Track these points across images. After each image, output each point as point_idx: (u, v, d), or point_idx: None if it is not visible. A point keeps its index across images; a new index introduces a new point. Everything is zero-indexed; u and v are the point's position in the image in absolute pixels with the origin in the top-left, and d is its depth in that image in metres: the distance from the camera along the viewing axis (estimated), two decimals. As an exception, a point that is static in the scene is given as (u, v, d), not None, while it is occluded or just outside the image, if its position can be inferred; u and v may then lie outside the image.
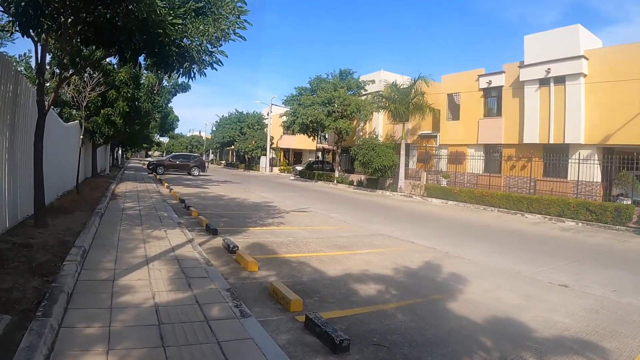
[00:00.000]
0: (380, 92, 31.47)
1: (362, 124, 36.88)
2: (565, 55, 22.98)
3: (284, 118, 40.77)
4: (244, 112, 61.61)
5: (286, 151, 60.64)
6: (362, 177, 34.50)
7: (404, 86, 29.22)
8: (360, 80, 36.29)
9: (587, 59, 22.73)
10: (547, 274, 8.94)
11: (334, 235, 12.30)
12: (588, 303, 7.10)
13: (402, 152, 29.46)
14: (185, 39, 7.80)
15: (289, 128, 38.09)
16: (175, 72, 8.45)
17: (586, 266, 10.16)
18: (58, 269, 6.13)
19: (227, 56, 8.50)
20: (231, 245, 9.17)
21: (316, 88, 35.86)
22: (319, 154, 54.70)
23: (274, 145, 55.87)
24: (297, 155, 61.49)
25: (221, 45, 8.35)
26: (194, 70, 8.55)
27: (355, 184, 34.48)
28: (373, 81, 35.53)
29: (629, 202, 19.86)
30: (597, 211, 18.90)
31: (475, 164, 27.86)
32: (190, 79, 8.73)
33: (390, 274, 8.32)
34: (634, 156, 20.33)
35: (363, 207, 20.92)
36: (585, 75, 22.80)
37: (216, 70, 9.83)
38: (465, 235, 14.20)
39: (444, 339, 5.28)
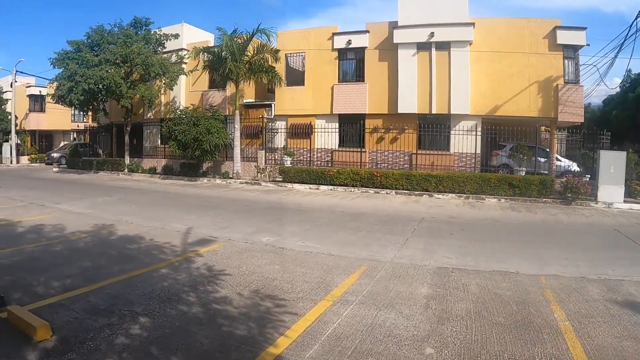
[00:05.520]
0: (206, 48, 22.85)
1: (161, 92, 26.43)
2: (452, 20, 19.59)
3: (46, 89, 27.78)
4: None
5: (33, 134, 42.56)
6: (165, 161, 25.17)
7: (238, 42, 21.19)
8: (162, 33, 25.66)
9: (473, 27, 19.82)
10: None
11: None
12: None
13: (237, 125, 21.62)
14: None
15: (62, 99, 24.60)
16: None
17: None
18: None
19: None
20: None
21: (100, 42, 24.26)
22: (75, 135, 40.92)
23: (17, 127, 38.16)
24: (47, 139, 43.88)
25: None
26: None
27: (160, 171, 24.90)
28: (177, 35, 25.58)
29: (523, 173, 18.72)
30: (520, 185, 16.52)
31: (327, 137, 22.08)
32: None
33: None
34: (511, 128, 18.63)
35: (260, 213, 12.89)
36: (471, 43, 19.85)
37: None
38: (490, 242, 9.43)
39: None
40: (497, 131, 18.89)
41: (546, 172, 18.91)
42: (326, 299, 5.63)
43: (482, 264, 7.47)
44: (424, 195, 17.26)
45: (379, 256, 7.88)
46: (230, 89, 23.66)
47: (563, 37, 19.43)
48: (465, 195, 16.92)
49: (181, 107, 24.62)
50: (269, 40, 21.50)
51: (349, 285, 6.23)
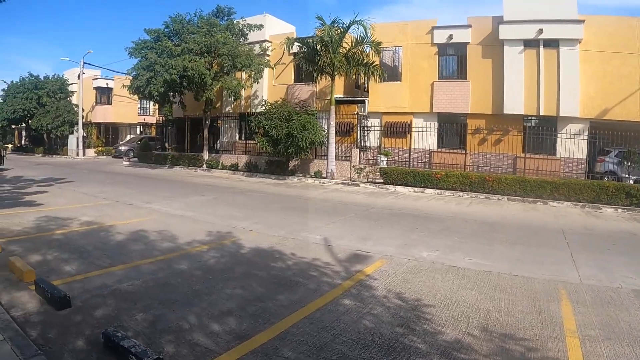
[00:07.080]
0: (299, 39, 22.32)
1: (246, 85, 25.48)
2: (560, 16, 19.01)
3: (114, 82, 28.51)
4: (41, 77, 40.87)
5: (99, 126, 42.98)
6: (246, 158, 24.98)
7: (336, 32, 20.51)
8: (245, 23, 24.88)
9: (583, 24, 19.24)
10: None
11: None
12: None
13: (332, 122, 21.15)
14: None
15: (139, 90, 24.10)
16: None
17: None
18: None
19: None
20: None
21: (181, 31, 23.71)
22: (141, 128, 41.49)
23: (84, 120, 38.34)
24: (113, 132, 44.32)
25: None
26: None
27: (242, 168, 24.63)
28: (261, 26, 24.95)
29: (632, 182, 18.06)
30: (638, 195, 16.05)
31: (425, 137, 21.59)
32: None
33: None
34: (617, 132, 18.24)
35: (388, 220, 12.15)
36: (580, 42, 19.33)
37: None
38: None
39: None
40: (604, 136, 18.45)
41: (653, 180, 18.36)
42: (570, 336, 5.01)
43: (669, 285, 7.21)
44: (538, 203, 17.04)
45: (563, 276, 7.41)
46: (319, 83, 23.36)
47: (674, 38, 18.79)
48: (581, 203, 16.62)
49: (265, 101, 24.38)
50: (365, 32, 20.71)
51: (571, 316, 5.71)
